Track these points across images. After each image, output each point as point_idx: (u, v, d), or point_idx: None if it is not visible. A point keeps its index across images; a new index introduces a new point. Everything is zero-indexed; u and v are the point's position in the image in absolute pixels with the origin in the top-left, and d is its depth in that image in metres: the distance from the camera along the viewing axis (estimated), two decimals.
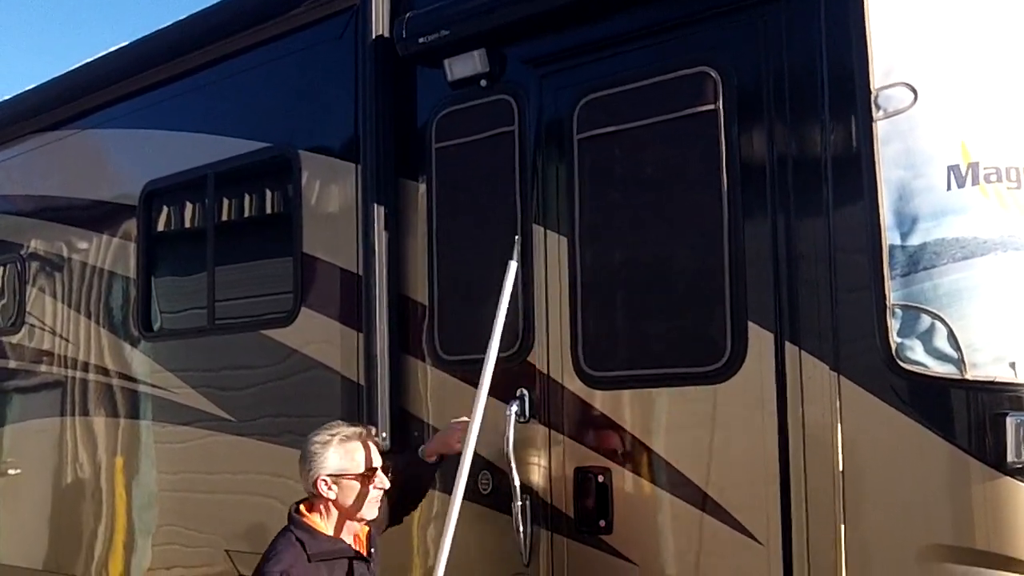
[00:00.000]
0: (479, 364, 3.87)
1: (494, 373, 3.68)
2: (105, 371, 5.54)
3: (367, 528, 3.47)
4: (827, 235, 3.07)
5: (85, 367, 5.68)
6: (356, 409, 4.19)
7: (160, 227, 5.38)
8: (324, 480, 3.33)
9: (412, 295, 4.12)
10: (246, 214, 5.02)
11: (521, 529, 3.65)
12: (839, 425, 3.01)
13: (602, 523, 3.50)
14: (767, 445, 3.14)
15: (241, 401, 4.77)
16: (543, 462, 3.67)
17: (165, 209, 5.36)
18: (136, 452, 5.32)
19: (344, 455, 3.34)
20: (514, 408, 3.68)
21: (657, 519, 3.42)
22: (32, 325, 6.06)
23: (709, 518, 3.26)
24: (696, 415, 3.36)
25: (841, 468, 2.99)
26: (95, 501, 5.53)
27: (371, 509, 3.37)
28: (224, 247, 5.02)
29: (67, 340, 5.81)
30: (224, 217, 5.04)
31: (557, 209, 3.69)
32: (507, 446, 3.64)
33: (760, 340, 3.17)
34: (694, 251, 3.36)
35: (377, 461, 3.38)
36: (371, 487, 3.35)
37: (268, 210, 4.95)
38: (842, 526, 2.99)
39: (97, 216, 5.69)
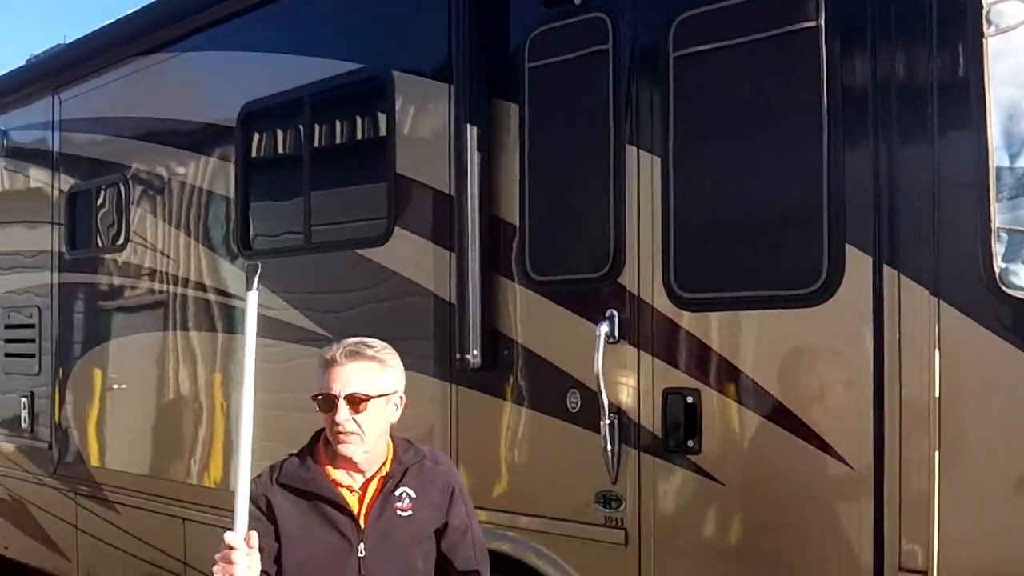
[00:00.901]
0: (569, 285, 3.90)
1: (582, 293, 3.70)
2: (205, 288, 5.67)
3: (379, 482, 2.96)
4: (932, 156, 2.98)
5: (186, 284, 5.81)
6: (448, 327, 4.25)
7: (258, 148, 5.45)
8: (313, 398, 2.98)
9: (503, 215, 4.13)
10: (341, 135, 5.06)
11: (609, 447, 3.68)
12: (937, 350, 2.95)
13: (690, 443, 3.50)
14: (861, 369, 3.10)
15: (336, 319, 4.86)
16: (632, 382, 3.68)
17: (262, 130, 5.42)
18: (233, 366, 5.46)
19: (319, 375, 2.94)
20: (603, 328, 3.69)
21: (746, 441, 3.41)
22: (136, 244, 6.22)
23: (799, 441, 3.24)
24: (789, 338, 3.33)
25: (938, 394, 2.94)
26: (195, 413, 5.71)
27: (343, 446, 2.89)
28: (320, 168, 5.08)
29: (169, 258, 5.95)
30: (320, 138, 5.09)
31: (651, 129, 3.64)
32: (596, 366, 3.66)
33: (858, 263, 3.11)
34: (791, 172, 3.30)
35: (337, 387, 2.87)
36: (330, 418, 2.89)
37: (363, 131, 4.98)
38: (936, 453, 2.94)
39: (197, 137, 5.78)
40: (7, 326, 7.55)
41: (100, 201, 6.63)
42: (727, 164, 3.46)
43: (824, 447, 3.19)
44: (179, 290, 5.87)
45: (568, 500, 3.89)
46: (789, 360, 3.33)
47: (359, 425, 2.88)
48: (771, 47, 3.33)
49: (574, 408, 3.85)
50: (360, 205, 4.92)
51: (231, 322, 5.47)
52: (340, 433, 2.88)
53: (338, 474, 2.98)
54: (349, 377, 2.89)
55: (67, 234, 6.85)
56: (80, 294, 6.80)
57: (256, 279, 2.81)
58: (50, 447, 7.02)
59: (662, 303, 3.60)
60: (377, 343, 3.01)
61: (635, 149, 3.69)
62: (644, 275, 3.65)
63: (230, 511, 5.16)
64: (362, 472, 2.97)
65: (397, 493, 2.97)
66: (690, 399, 3.50)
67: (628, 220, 3.70)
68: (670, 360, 3.58)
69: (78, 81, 6.80)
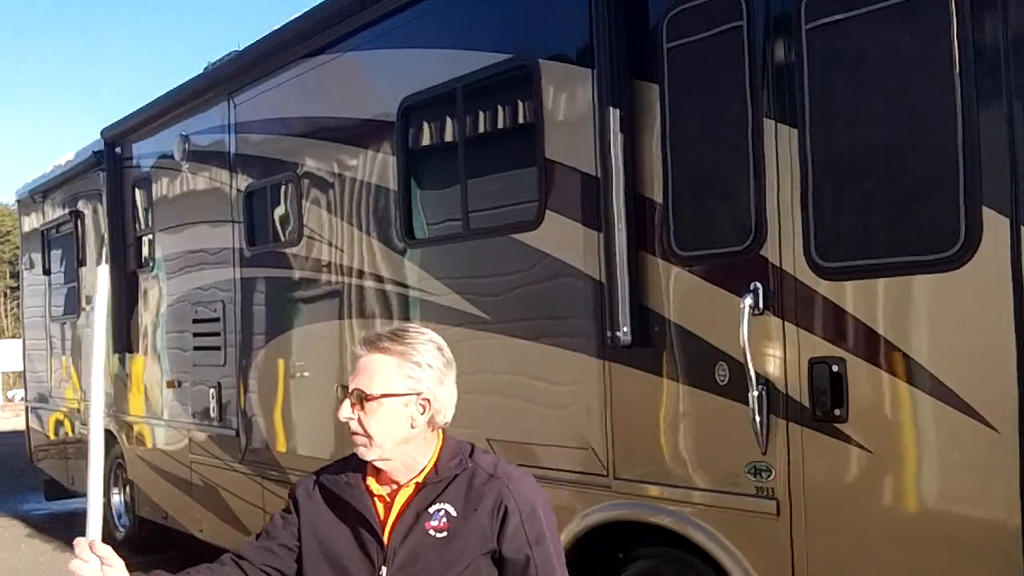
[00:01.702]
0: (713, 259, 3.96)
1: (727, 266, 3.75)
2: (375, 277, 5.92)
3: (411, 493, 2.57)
4: None
5: (358, 274, 6.08)
6: (599, 306, 4.37)
7: (416, 140, 5.66)
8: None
9: (649, 194, 4.21)
10: (493, 124, 5.21)
11: (757, 418, 3.74)
12: None
13: (837, 412, 3.52)
14: (1004, 331, 3.06)
15: (495, 302, 5.04)
16: (778, 353, 3.72)
17: (420, 123, 5.63)
18: None
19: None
20: (747, 301, 3.74)
21: (892, 408, 3.41)
22: (309, 237, 6.54)
23: (944, 406, 3.23)
24: (930, 302, 3.31)
25: None
26: None
27: (355, 447, 2.58)
28: (474, 156, 5.26)
29: (340, 249, 6.24)
30: (473, 128, 5.26)
31: (787, 101, 3.67)
32: (742, 338, 3.72)
33: (996, 226, 3.08)
34: (926, 137, 3.27)
35: (351, 378, 2.59)
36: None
37: (513, 119, 5.12)
38: None
39: (360, 133, 6.05)
40: (195, 320, 8.03)
41: (275, 198, 7.01)
42: (863, 132, 3.46)
43: (970, 411, 3.17)
44: (351, 280, 6.13)
45: (720, 471, 3.96)
46: (931, 325, 3.31)
47: (363, 427, 2.53)
48: (901, 12, 3.31)
49: (723, 380, 3.91)
50: (513, 191, 5.07)
51: (402, 310, 5.71)
52: (351, 432, 2.57)
53: (374, 481, 2.63)
54: (362, 370, 2.57)
55: (246, 231, 7.26)
56: (260, 288, 7.16)
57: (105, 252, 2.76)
58: (237, 434, 7.42)
59: (804, 273, 3.62)
60: (413, 333, 2.60)
61: (773, 122, 3.72)
62: (786, 246, 3.69)
63: None
64: (395, 481, 2.60)
65: (432, 509, 2.53)
66: (835, 368, 3.52)
67: (768, 192, 3.74)
68: (814, 330, 3.61)
69: (251, 85, 7.19)
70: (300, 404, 6.75)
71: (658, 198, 4.16)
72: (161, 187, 8.71)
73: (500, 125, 5.17)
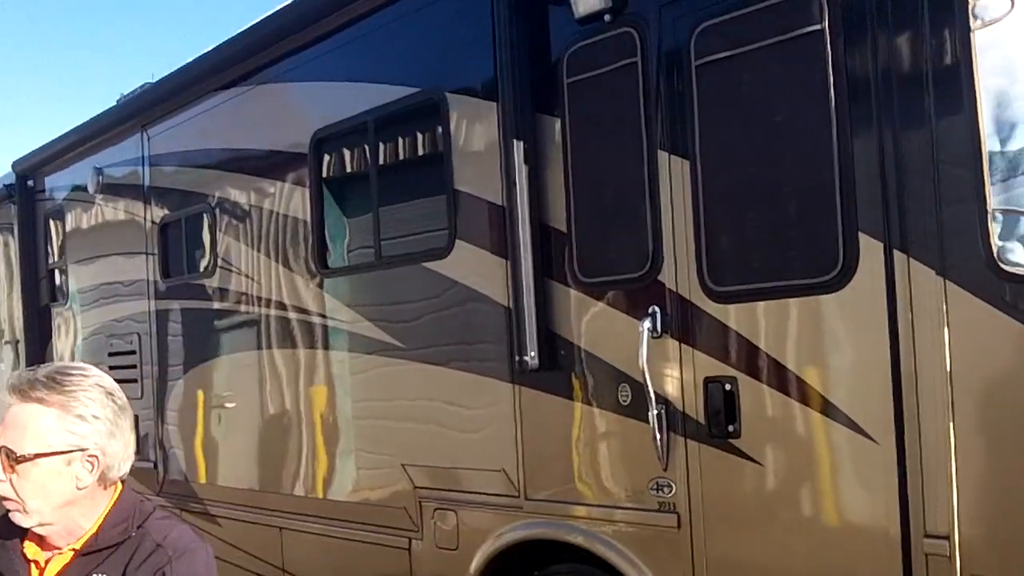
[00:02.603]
0: (614, 285, 4.13)
1: (627, 292, 3.94)
2: (290, 307, 5.96)
3: (67, 558, 2.27)
4: (930, 145, 3.15)
5: (273, 304, 6.11)
6: (508, 331, 4.50)
7: (329, 171, 5.75)
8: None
9: (553, 223, 4.36)
10: (403, 155, 5.34)
11: (658, 436, 3.90)
12: (946, 328, 3.11)
13: (731, 428, 3.70)
14: (879, 349, 3.27)
15: (408, 328, 5.14)
16: (675, 373, 3.89)
17: (332, 155, 5.73)
18: (323, 378, 5.75)
19: None
20: (647, 324, 3.90)
21: (780, 423, 3.60)
22: (224, 268, 6.56)
23: (828, 419, 3.43)
24: (813, 323, 3.52)
25: (949, 369, 3.11)
26: (287, 426, 6.00)
27: (9, 512, 2.25)
28: (386, 187, 5.37)
29: (255, 280, 6.27)
30: (384, 159, 5.38)
31: (679, 133, 3.86)
32: (641, 360, 3.88)
33: (870, 250, 3.29)
34: (806, 167, 3.49)
35: (7, 438, 2.20)
36: None
37: (423, 150, 5.25)
38: (951, 424, 3.11)
39: (274, 164, 6.11)
40: (111, 353, 7.97)
41: (189, 230, 7.03)
42: (748, 162, 3.67)
43: (851, 425, 3.37)
44: (265, 311, 6.17)
45: (625, 489, 4.11)
46: (815, 345, 3.52)
47: (16, 491, 2.18)
48: (782, 51, 3.52)
49: (625, 401, 4.07)
50: (424, 220, 5.19)
51: (314, 338, 5.79)
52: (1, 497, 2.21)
53: (32, 545, 2.32)
54: (12, 423, 2.20)
55: (161, 263, 7.26)
56: (176, 319, 7.15)
57: None
58: (155, 466, 7.37)
59: (698, 297, 3.80)
60: (76, 376, 2.24)
61: (667, 154, 3.91)
62: (681, 272, 3.86)
63: (328, 519, 5.49)
64: (55, 546, 2.29)
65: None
66: (728, 386, 3.70)
67: (664, 220, 3.92)
68: (708, 351, 3.79)
69: (164, 117, 7.20)
70: (217, 435, 6.77)
71: (562, 226, 4.32)
72: (74, 219, 8.66)
73: (410, 156, 5.30)
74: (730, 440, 3.72)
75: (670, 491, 3.92)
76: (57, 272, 9.02)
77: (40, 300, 9.17)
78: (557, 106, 4.33)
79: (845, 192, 3.35)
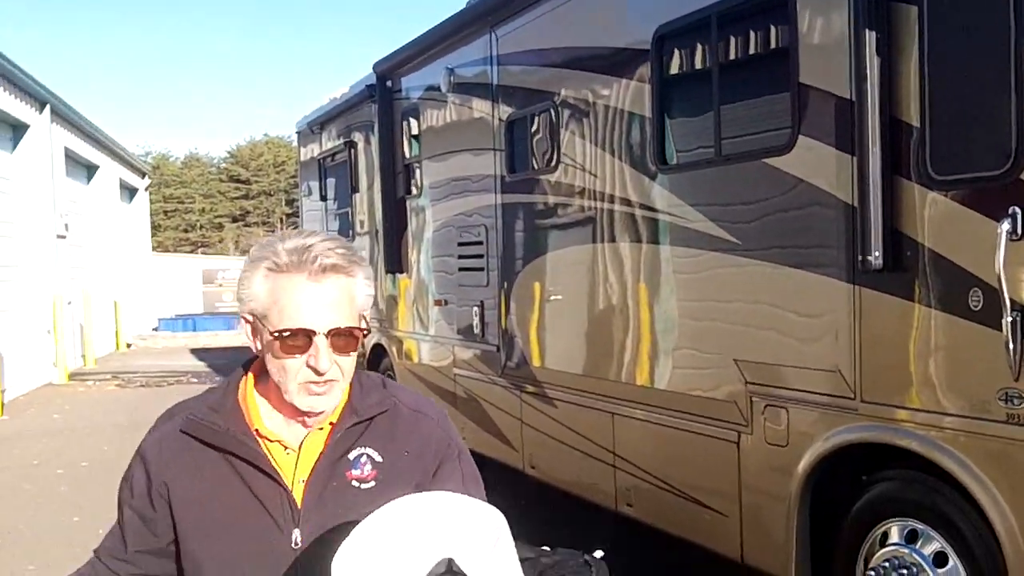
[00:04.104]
0: (970, 183, 3.91)
1: (984, 190, 3.70)
2: (627, 202, 6.12)
3: (326, 437, 2.07)
4: None
5: (611, 200, 6.28)
6: (851, 230, 4.38)
7: (670, 68, 5.77)
8: (244, 318, 2.07)
9: (904, 118, 4.17)
10: (747, 50, 5.25)
11: (1011, 345, 3.70)
12: None
13: None
14: None
15: (745, 226, 5.12)
16: None
17: (674, 51, 5.73)
18: (656, 273, 5.88)
19: (272, 289, 1.98)
20: (1005, 226, 3.68)
21: None
22: (566, 164, 6.79)
23: None
24: None
25: None
26: (622, 317, 6.18)
27: (312, 399, 2.00)
28: (727, 83, 5.31)
29: (595, 176, 6.45)
30: (727, 54, 5.32)
31: None
32: (998, 263, 3.67)
33: None
34: None
35: (312, 316, 1.95)
36: (290, 356, 1.97)
37: (767, 45, 5.14)
38: None
39: (615, 61, 6.20)
40: (460, 243, 8.50)
41: (534, 127, 7.29)
42: None
43: None
44: (605, 205, 6.34)
45: (970, 397, 3.94)
46: None
47: (342, 371, 2.01)
48: None
49: (976, 306, 3.88)
50: (766, 116, 5.10)
51: (653, 233, 5.88)
52: (313, 384, 1.98)
53: (270, 422, 2.08)
54: (329, 301, 1.98)
55: (507, 159, 7.60)
56: (520, 213, 7.49)
57: None
58: (498, 350, 7.86)
59: None
60: (342, 242, 2.06)
61: None
62: None
63: (658, 407, 5.66)
64: (302, 423, 2.07)
65: (353, 456, 2.06)
66: None
67: None
68: None
69: (512, 17, 7.46)
70: (556, 322, 7.07)
71: (914, 121, 4.12)
72: (428, 117, 9.19)
73: (754, 51, 5.20)
74: None
75: (1021, 403, 3.72)
76: (412, 167, 9.63)
77: (396, 193, 9.85)
78: None
79: None
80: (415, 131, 9.51)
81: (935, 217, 4.07)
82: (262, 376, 2.09)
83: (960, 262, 3.95)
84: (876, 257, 4.22)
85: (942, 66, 4.01)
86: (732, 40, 5.26)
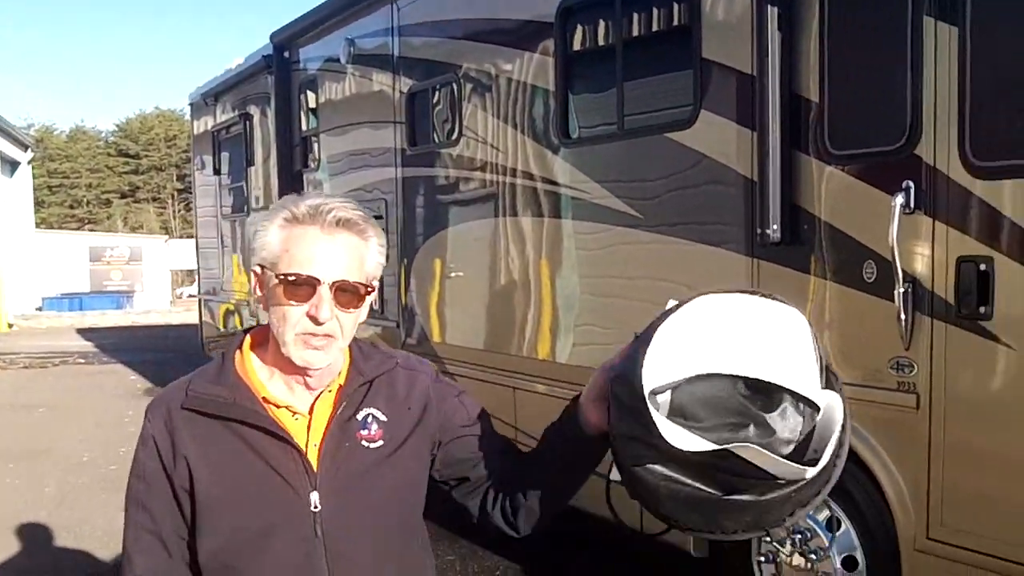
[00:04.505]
0: (867, 158, 4.00)
1: (879, 165, 3.78)
2: (530, 176, 6.12)
3: (333, 400, 2.08)
4: None
5: (513, 173, 6.27)
6: (750, 204, 4.46)
7: (575, 42, 5.78)
8: (254, 271, 2.05)
9: (804, 93, 4.25)
10: (650, 25, 5.29)
11: (903, 315, 3.81)
12: None
13: (982, 310, 3.57)
14: None
15: (646, 200, 5.17)
16: (926, 251, 3.76)
17: (578, 25, 5.74)
18: (558, 248, 5.90)
19: (285, 239, 1.98)
20: (899, 200, 3.78)
21: None
22: (468, 138, 6.76)
23: None
24: None
25: None
26: (524, 292, 6.20)
27: (309, 352, 1.98)
28: (631, 57, 5.34)
29: (497, 149, 6.44)
30: (630, 29, 5.35)
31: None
32: (891, 236, 3.77)
33: None
34: None
35: (320, 267, 1.95)
36: (292, 304, 1.96)
37: (670, 20, 5.18)
38: None
39: (519, 35, 6.18)
40: None
41: (436, 100, 7.24)
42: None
43: None
44: (508, 179, 6.33)
45: (864, 367, 4.04)
46: None
47: (342, 328, 2.01)
48: None
49: (870, 278, 3.98)
50: (668, 91, 5.15)
51: (556, 207, 5.90)
52: (310, 336, 1.98)
53: (274, 389, 2.08)
54: (339, 255, 1.98)
55: (407, 132, 7.53)
56: (421, 187, 7.43)
57: None
58: (398, 326, 7.79)
59: (957, 173, 3.64)
60: (360, 206, 2.06)
61: (932, 20, 3.72)
62: (940, 145, 3.70)
63: (560, 382, 5.68)
64: (309, 387, 2.08)
65: (360, 416, 2.10)
66: (983, 267, 3.56)
67: (925, 92, 3.75)
68: (964, 229, 3.64)
69: None
70: (456, 297, 7.04)
71: (814, 97, 4.20)
72: (327, 89, 9.05)
73: (657, 26, 5.24)
74: (980, 322, 3.59)
75: (911, 371, 3.84)
76: (310, 140, 9.49)
77: (294, 166, 9.69)
78: None
79: None
80: (313, 103, 9.36)
81: (832, 191, 4.16)
82: (258, 347, 2.11)
83: (855, 235, 4.05)
84: (775, 231, 4.30)
85: (840, 43, 4.09)
86: (636, 15, 5.29)
